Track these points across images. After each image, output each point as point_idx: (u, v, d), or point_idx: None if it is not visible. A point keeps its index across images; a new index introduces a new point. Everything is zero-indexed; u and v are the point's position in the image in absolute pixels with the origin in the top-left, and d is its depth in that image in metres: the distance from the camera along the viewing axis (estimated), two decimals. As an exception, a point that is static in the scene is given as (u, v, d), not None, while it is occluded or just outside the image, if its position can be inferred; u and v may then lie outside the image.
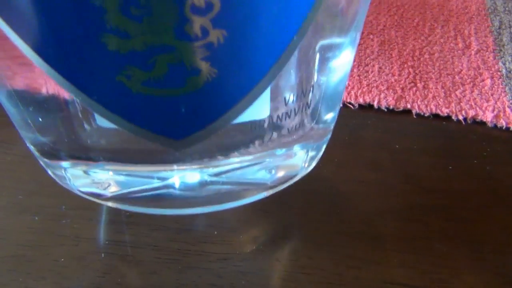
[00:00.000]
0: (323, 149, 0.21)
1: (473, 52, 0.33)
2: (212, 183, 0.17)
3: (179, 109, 0.13)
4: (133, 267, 0.19)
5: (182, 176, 0.17)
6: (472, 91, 0.29)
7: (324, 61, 0.15)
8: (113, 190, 0.18)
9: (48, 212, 0.21)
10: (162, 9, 0.10)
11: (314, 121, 0.18)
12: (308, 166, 0.21)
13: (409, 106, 0.28)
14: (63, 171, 0.18)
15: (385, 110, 0.28)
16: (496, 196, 0.23)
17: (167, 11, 0.10)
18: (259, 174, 0.18)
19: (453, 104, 0.28)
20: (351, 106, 0.29)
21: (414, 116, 0.28)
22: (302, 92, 0.16)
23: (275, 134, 0.16)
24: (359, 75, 0.31)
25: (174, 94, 0.12)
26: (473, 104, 0.28)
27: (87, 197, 0.19)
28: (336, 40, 0.15)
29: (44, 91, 0.14)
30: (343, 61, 0.17)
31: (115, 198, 0.18)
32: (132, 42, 0.11)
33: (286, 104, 0.15)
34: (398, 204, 0.22)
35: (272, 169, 0.18)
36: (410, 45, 0.34)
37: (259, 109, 0.15)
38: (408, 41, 0.34)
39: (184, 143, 0.14)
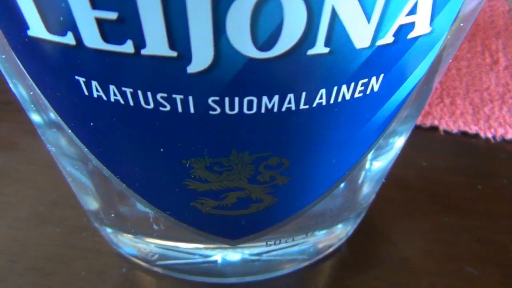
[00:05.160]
0: (361, 218, 0.20)
1: (501, 68, 0.32)
2: (253, 261, 0.17)
3: (239, 222, 0.15)
4: (154, 282, 0.19)
5: (225, 254, 0.17)
6: (501, 108, 0.28)
7: (379, 148, 0.15)
8: (158, 259, 0.18)
9: (69, 224, 0.21)
10: (241, 168, 0.12)
11: (359, 203, 0.18)
12: (346, 236, 0.20)
13: (436, 122, 0.27)
14: (111, 236, 0.18)
15: (412, 126, 0.27)
16: (529, 218, 0.22)
17: (245, 168, 0.12)
18: (299, 251, 0.18)
19: (481, 121, 0.27)
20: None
21: (442, 133, 0.27)
22: (353, 181, 0.16)
23: (320, 221, 0.16)
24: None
25: (237, 215, 0.14)
26: (502, 121, 0.27)
27: (136, 260, 0.19)
28: (397, 127, 0.14)
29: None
30: (398, 145, 0.16)
31: (161, 266, 0.18)
32: (209, 185, 0.12)
33: (334, 195, 0.15)
34: (426, 224, 0.22)
35: (311, 246, 0.18)
36: (436, 59, 0.33)
37: None
38: (433, 55, 0.34)
39: (239, 241, 0.16)
